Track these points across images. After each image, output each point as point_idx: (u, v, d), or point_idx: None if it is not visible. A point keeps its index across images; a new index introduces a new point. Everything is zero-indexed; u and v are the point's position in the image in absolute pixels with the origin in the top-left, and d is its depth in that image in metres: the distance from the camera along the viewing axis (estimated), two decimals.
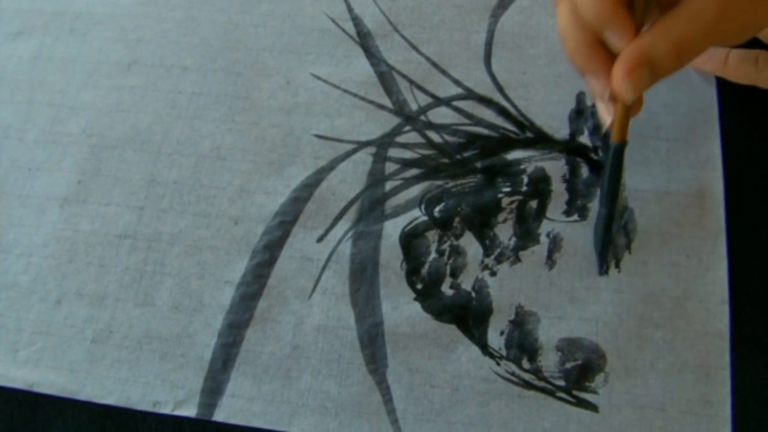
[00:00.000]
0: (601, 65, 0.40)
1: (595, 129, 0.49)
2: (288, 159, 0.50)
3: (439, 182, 0.48)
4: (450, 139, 0.49)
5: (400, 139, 0.50)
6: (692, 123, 0.48)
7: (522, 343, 0.44)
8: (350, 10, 0.54)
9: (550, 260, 0.46)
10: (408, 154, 0.49)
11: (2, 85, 0.55)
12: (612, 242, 0.45)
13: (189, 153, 0.51)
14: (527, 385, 0.43)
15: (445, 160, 0.49)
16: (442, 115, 0.50)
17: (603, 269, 0.45)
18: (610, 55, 0.40)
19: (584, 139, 0.49)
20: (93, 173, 0.51)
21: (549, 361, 0.44)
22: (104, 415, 0.45)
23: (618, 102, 0.41)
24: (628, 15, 0.38)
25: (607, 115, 0.42)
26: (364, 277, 0.46)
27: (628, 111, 0.41)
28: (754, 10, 0.36)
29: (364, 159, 0.49)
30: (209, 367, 0.45)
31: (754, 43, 0.46)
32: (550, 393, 0.43)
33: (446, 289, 0.46)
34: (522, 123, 0.49)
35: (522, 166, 0.48)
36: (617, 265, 0.45)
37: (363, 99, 0.51)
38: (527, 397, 0.43)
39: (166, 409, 0.44)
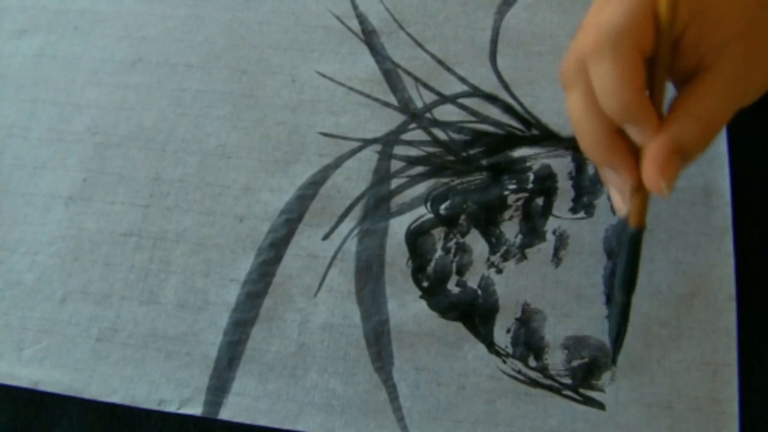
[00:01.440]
0: (623, 158, 0.37)
1: None
2: (293, 157, 0.50)
3: (444, 180, 0.48)
4: (455, 136, 0.49)
5: (405, 136, 0.50)
6: None
7: (528, 341, 0.44)
8: (355, 7, 0.54)
9: (557, 258, 0.46)
10: (413, 152, 0.49)
11: (6, 83, 0.55)
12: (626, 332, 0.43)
13: (194, 151, 0.51)
14: (534, 383, 0.43)
15: (451, 158, 0.49)
16: (447, 113, 0.50)
17: (615, 358, 0.43)
18: (631, 146, 0.36)
19: None
20: (98, 171, 0.51)
21: (555, 359, 0.43)
22: (109, 414, 0.45)
23: (641, 190, 0.37)
24: (651, 105, 0.35)
25: (623, 205, 0.39)
26: (369, 275, 0.46)
27: (648, 198, 0.38)
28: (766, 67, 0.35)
29: (369, 156, 0.49)
30: (215, 365, 0.45)
31: None
32: (557, 391, 0.43)
33: (452, 286, 0.46)
34: (528, 120, 0.49)
35: (528, 164, 0.48)
36: None
37: (368, 96, 0.51)
38: (534, 395, 0.43)
39: (172, 408, 0.44)
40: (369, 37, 0.53)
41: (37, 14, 0.57)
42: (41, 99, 0.54)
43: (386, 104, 0.51)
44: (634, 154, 0.36)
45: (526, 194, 0.47)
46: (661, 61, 0.35)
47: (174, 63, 0.54)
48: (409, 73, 0.52)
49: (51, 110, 0.53)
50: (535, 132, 0.49)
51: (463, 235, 0.47)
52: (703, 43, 0.34)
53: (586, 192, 0.47)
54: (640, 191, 0.37)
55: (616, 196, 0.39)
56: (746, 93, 0.35)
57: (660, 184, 0.35)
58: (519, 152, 0.49)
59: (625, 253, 0.41)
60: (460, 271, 0.46)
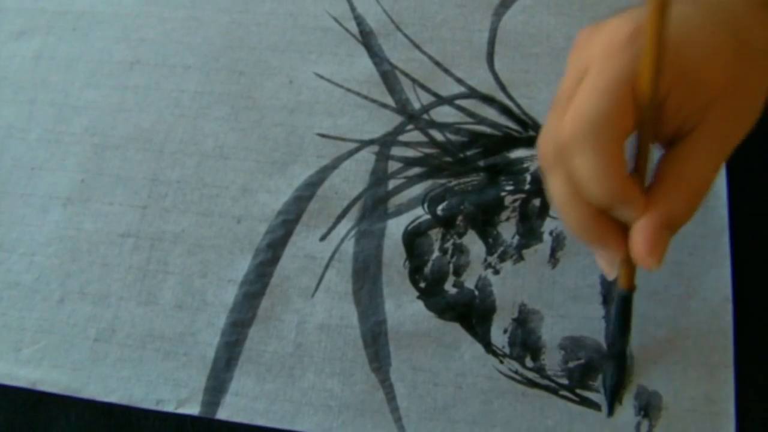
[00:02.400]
0: (611, 237, 0.35)
1: None
2: (291, 158, 0.50)
3: (442, 181, 0.48)
4: (453, 137, 0.49)
5: (402, 137, 0.50)
6: None
7: (525, 342, 0.44)
8: (353, 9, 0.54)
9: (554, 258, 0.46)
10: (411, 153, 0.49)
11: (5, 84, 0.55)
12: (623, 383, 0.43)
13: (192, 152, 0.51)
14: (530, 384, 0.43)
15: (448, 159, 0.49)
16: (444, 114, 0.50)
17: (611, 411, 0.43)
18: (617, 222, 0.35)
19: None
20: (96, 172, 0.51)
21: (552, 360, 0.44)
22: (107, 414, 0.45)
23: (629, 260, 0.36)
24: (636, 188, 0.33)
25: (610, 270, 0.37)
26: (367, 276, 0.46)
27: (636, 265, 0.37)
28: (751, 119, 0.34)
29: (366, 158, 0.49)
30: (212, 365, 0.45)
31: None
32: (554, 391, 0.43)
33: (449, 287, 0.46)
34: (525, 121, 0.49)
35: (525, 165, 0.48)
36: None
37: (366, 98, 0.51)
38: (530, 396, 0.43)
39: (169, 408, 0.44)
40: (366, 38, 0.53)
41: (35, 16, 0.57)
42: (40, 100, 0.54)
43: (384, 105, 0.51)
44: (621, 230, 0.35)
45: (523, 195, 0.47)
46: (644, 134, 0.34)
47: (172, 64, 0.54)
48: (406, 75, 0.52)
49: (49, 111, 0.53)
50: (532, 133, 0.49)
51: (460, 236, 0.47)
52: (686, 106, 0.33)
53: None
54: (628, 261, 0.36)
55: (605, 265, 0.38)
56: (731, 149, 0.34)
57: (651, 262, 0.34)
58: (516, 153, 0.49)
59: (617, 310, 0.41)
60: (457, 272, 0.46)
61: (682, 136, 0.34)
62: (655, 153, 0.35)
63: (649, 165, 0.34)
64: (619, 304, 0.41)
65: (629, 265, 0.37)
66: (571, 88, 0.34)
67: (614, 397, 0.42)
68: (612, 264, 0.37)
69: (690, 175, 0.33)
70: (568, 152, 0.33)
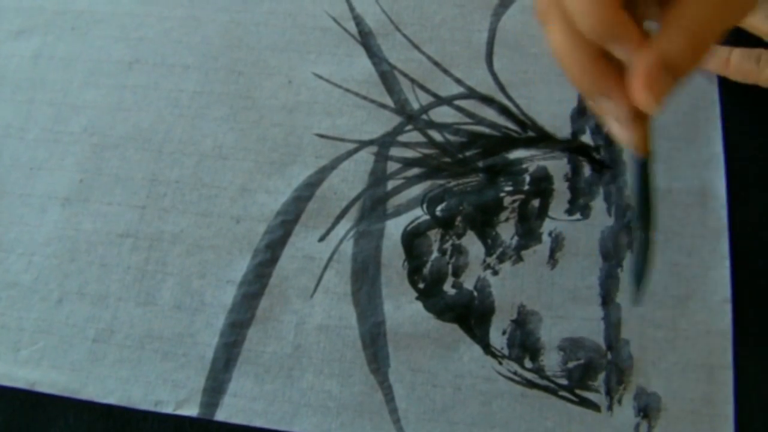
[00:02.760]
0: (613, 82, 0.35)
1: (597, 128, 0.49)
2: (290, 158, 0.50)
3: (440, 181, 0.48)
4: (452, 138, 0.49)
5: (401, 138, 0.50)
6: (694, 122, 0.48)
7: (524, 343, 0.44)
8: (352, 9, 0.54)
9: (553, 259, 0.46)
10: (410, 153, 0.49)
11: (3, 84, 0.55)
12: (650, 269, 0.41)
13: (191, 152, 0.51)
14: (529, 384, 0.43)
15: (447, 159, 0.49)
16: (443, 114, 0.50)
17: (638, 299, 0.43)
18: (619, 69, 0.34)
19: (586, 137, 0.49)
20: (94, 172, 0.51)
21: (551, 361, 0.44)
22: (106, 415, 0.45)
23: (640, 115, 0.35)
24: (631, 19, 0.33)
25: (625, 134, 0.36)
26: (365, 277, 0.46)
27: (648, 121, 0.36)
28: None
29: (365, 158, 0.49)
30: (211, 366, 0.45)
31: (755, 42, 0.46)
32: (553, 392, 0.43)
33: (448, 288, 0.46)
34: (524, 122, 0.49)
35: (524, 165, 0.48)
36: (620, 264, 0.45)
37: (364, 98, 0.51)
38: (529, 397, 0.43)
39: (168, 409, 0.44)
40: (365, 38, 0.53)
41: (34, 15, 0.57)
42: (38, 100, 0.54)
43: (382, 106, 0.51)
44: (624, 77, 0.34)
45: (522, 196, 0.47)
46: None
47: (171, 64, 0.54)
48: (405, 75, 0.52)
49: (48, 111, 0.53)
50: (531, 134, 0.49)
51: (459, 236, 0.47)
52: None
53: (582, 194, 0.47)
54: (638, 117, 0.35)
55: (616, 128, 0.37)
56: (734, 3, 0.33)
57: (648, 100, 0.33)
58: (515, 154, 0.49)
59: (637, 185, 0.38)
60: (456, 273, 0.46)
61: None
62: None
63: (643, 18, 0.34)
64: (637, 175, 0.38)
65: (642, 126, 0.36)
66: None
67: (640, 286, 0.39)
68: (622, 122, 0.36)
69: (689, 14, 0.32)
70: None
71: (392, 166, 0.49)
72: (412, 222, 0.47)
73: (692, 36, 0.32)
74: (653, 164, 0.37)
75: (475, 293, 0.45)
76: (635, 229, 0.39)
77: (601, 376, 0.43)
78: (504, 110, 0.50)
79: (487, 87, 0.51)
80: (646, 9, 0.35)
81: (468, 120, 0.50)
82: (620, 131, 0.36)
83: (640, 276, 0.39)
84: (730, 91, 0.49)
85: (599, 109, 0.36)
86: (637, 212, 0.38)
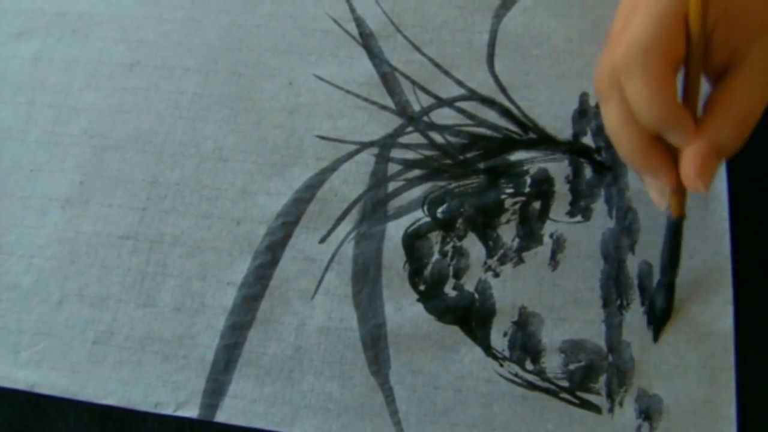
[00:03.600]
0: (661, 164, 0.38)
1: (598, 130, 0.49)
2: (290, 160, 0.50)
3: (441, 183, 0.48)
4: (453, 140, 0.49)
5: (402, 140, 0.50)
6: None
7: (525, 345, 0.44)
8: (353, 10, 0.54)
9: (554, 261, 0.46)
10: (410, 155, 0.49)
11: (4, 85, 0.55)
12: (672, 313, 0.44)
13: (191, 154, 0.51)
14: (530, 386, 0.43)
15: (448, 161, 0.49)
16: (444, 116, 0.50)
17: (656, 337, 0.44)
18: (667, 150, 0.37)
19: (587, 139, 0.49)
20: (95, 174, 0.51)
21: (552, 363, 0.43)
22: (106, 416, 0.44)
23: (681, 187, 0.38)
24: (687, 112, 0.36)
25: (665, 202, 0.40)
26: (366, 279, 0.46)
27: (686, 193, 0.40)
28: None
29: (366, 160, 0.49)
30: (211, 368, 0.45)
31: None
32: (554, 394, 0.43)
33: (449, 290, 0.46)
34: (525, 124, 0.49)
35: (525, 167, 0.48)
36: (621, 266, 0.45)
37: (365, 100, 0.51)
38: (530, 398, 0.43)
39: (168, 410, 0.44)
40: (366, 40, 0.53)
41: (34, 17, 0.57)
42: (38, 102, 0.54)
43: (383, 107, 0.51)
44: (672, 157, 0.37)
45: (523, 198, 0.47)
46: (694, 65, 0.36)
47: (171, 66, 0.54)
48: (406, 77, 0.52)
49: (48, 113, 0.53)
50: (532, 136, 0.49)
51: (460, 238, 0.47)
52: (732, 39, 0.35)
53: (583, 196, 0.47)
54: (679, 189, 0.39)
55: (656, 195, 0.40)
56: None
57: (699, 186, 0.36)
58: (516, 156, 0.49)
59: (668, 240, 0.43)
60: (457, 275, 0.46)
61: (730, 69, 0.36)
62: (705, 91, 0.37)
63: (699, 98, 0.37)
64: (669, 233, 0.42)
65: (680, 194, 0.40)
66: (623, 23, 0.37)
67: (661, 327, 0.44)
68: (662, 193, 0.39)
69: (738, 104, 0.35)
70: (622, 77, 0.36)
71: (393, 168, 0.49)
72: (413, 224, 0.47)
73: (740, 123, 0.35)
74: (683, 225, 0.42)
75: (476, 295, 0.45)
76: (661, 275, 0.44)
77: (603, 378, 0.43)
78: (505, 112, 0.50)
79: (488, 89, 0.51)
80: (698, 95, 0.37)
81: (469, 122, 0.50)
82: (660, 200, 0.40)
83: (663, 319, 0.44)
84: None
85: (644, 180, 0.40)
86: (664, 263, 0.43)
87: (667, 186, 0.38)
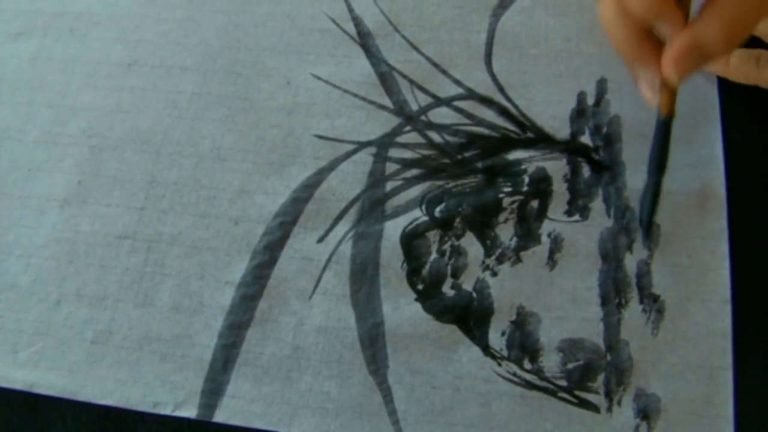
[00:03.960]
0: (650, 53, 0.41)
1: (596, 129, 0.49)
2: (288, 159, 0.50)
3: (439, 182, 0.48)
4: (451, 139, 0.49)
5: (400, 139, 0.50)
6: (694, 123, 0.48)
7: (523, 344, 0.44)
8: (350, 10, 0.54)
9: (552, 260, 0.46)
10: (408, 155, 0.49)
11: (2, 85, 0.55)
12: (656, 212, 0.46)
13: (189, 154, 0.51)
14: (529, 386, 0.43)
15: (446, 161, 0.49)
16: (442, 116, 0.50)
17: (648, 242, 0.45)
18: (657, 43, 0.41)
19: (585, 138, 0.49)
20: (93, 174, 0.51)
21: (550, 362, 0.43)
22: (104, 416, 0.44)
23: (667, 83, 0.41)
24: (676, 7, 0.38)
25: (651, 96, 0.43)
26: (364, 278, 0.46)
27: (676, 89, 0.42)
28: None
29: (364, 159, 0.49)
30: (209, 368, 0.45)
31: (755, 43, 0.46)
32: (552, 393, 0.43)
33: (447, 289, 0.46)
34: (523, 123, 0.49)
35: (523, 166, 0.48)
36: (619, 265, 0.45)
37: (363, 99, 0.51)
38: (529, 398, 0.43)
39: (166, 410, 0.44)
40: (364, 39, 0.53)
41: (32, 17, 0.57)
42: (37, 101, 0.54)
43: (381, 107, 0.51)
44: (661, 51, 0.40)
45: (521, 197, 0.47)
46: None
47: (169, 66, 0.54)
48: (404, 76, 0.52)
49: (46, 113, 0.53)
50: (530, 135, 0.49)
51: (458, 237, 0.47)
52: None
53: (581, 195, 0.47)
54: (668, 84, 0.41)
55: (646, 90, 0.43)
56: None
57: (672, 72, 0.40)
58: (514, 155, 0.49)
59: (657, 139, 0.45)
60: (455, 274, 0.46)
61: None
62: None
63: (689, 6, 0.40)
64: (658, 131, 0.45)
65: (669, 92, 0.42)
66: None
67: (649, 227, 0.46)
68: (652, 86, 0.42)
69: (726, 6, 0.37)
70: None
71: (391, 167, 0.49)
72: (410, 223, 0.47)
73: (725, 25, 0.37)
74: (673, 124, 0.44)
75: (474, 294, 0.45)
76: (648, 176, 0.46)
77: (601, 378, 0.43)
78: (503, 111, 0.50)
79: (486, 88, 0.51)
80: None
81: (467, 121, 0.50)
82: (648, 95, 0.43)
83: (650, 218, 0.46)
84: (730, 92, 0.49)
85: (635, 74, 0.43)
86: (654, 161, 0.45)
87: (655, 76, 0.41)
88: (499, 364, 0.44)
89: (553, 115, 0.49)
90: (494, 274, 0.46)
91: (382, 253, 0.47)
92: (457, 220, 0.47)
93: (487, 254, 0.46)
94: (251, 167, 0.50)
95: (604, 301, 0.44)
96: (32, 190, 0.51)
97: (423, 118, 0.50)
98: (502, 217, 0.47)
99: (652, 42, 0.41)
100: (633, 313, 0.44)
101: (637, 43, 0.41)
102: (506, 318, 0.45)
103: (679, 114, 0.46)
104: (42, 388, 0.45)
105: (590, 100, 0.50)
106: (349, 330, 0.45)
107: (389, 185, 0.48)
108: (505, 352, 0.44)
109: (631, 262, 0.45)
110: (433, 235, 0.47)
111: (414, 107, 0.51)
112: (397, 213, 0.48)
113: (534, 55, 0.52)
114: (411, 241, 0.47)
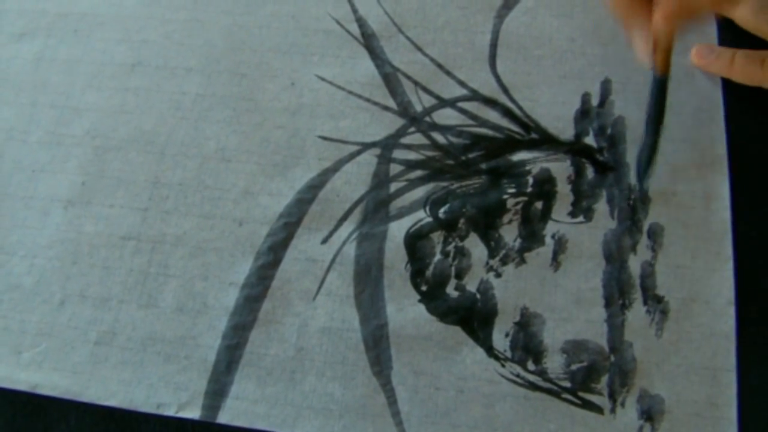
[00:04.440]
0: (643, 13, 0.45)
1: (601, 130, 0.49)
2: (292, 160, 0.50)
3: (443, 183, 0.48)
4: (455, 140, 0.49)
5: (404, 140, 0.50)
6: (698, 124, 0.48)
7: (527, 345, 0.44)
8: (355, 11, 0.54)
9: (555, 262, 0.46)
10: (413, 156, 0.49)
11: (6, 86, 0.55)
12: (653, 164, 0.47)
13: (193, 154, 0.51)
14: (532, 387, 0.43)
15: (450, 162, 0.49)
16: (446, 117, 0.50)
17: (643, 184, 0.47)
18: (649, 3, 0.45)
19: (589, 140, 0.49)
20: (97, 175, 0.51)
21: (554, 363, 0.43)
22: (107, 417, 0.44)
23: (660, 41, 0.45)
24: None
25: (646, 57, 0.46)
26: (368, 279, 0.46)
27: (670, 48, 0.45)
28: None
29: (368, 160, 0.49)
30: (213, 369, 0.45)
31: (760, 44, 0.46)
32: (556, 394, 0.43)
33: (451, 290, 0.46)
34: (527, 124, 0.49)
35: (527, 168, 0.48)
36: (623, 266, 0.45)
37: (368, 100, 0.51)
38: (532, 399, 0.43)
39: (170, 411, 0.44)
40: (368, 40, 0.53)
41: (36, 18, 0.57)
42: (41, 102, 0.54)
43: (386, 108, 0.51)
44: (652, 10, 0.45)
45: (525, 198, 0.47)
46: None
47: (173, 66, 0.54)
48: (408, 77, 0.52)
49: (50, 113, 0.53)
50: (534, 136, 0.49)
51: (462, 238, 0.47)
52: None
53: (585, 196, 0.47)
54: (661, 44, 0.45)
55: (641, 49, 0.46)
56: None
57: (659, 26, 0.44)
58: (518, 156, 0.49)
59: (653, 99, 0.47)
60: (459, 275, 0.46)
61: None
62: None
63: None
64: (654, 91, 0.47)
65: (663, 51, 0.45)
66: None
67: (645, 180, 0.47)
68: (647, 45, 0.45)
69: None
70: None
71: (395, 169, 0.49)
72: (414, 224, 0.47)
73: None
74: (668, 83, 0.46)
75: (478, 295, 0.45)
76: (644, 134, 0.47)
77: (604, 379, 0.43)
78: (507, 112, 0.50)
79: (490, 89, 0.51)
80: None
81: (471, 122, 0.50)
82: (644, 56, 0.46)
83: (645, 169, 0.47)
84: (734, 93, 0.49)
85: (631, 35, 0.47)
86: (651, 121, 0.47)
87: (650, 36, 0.45)
88: (503, 366, 0.44)
89: (557, 116, 0.49)
90: (498, 275, 0.46)
91: (386, 254, 0.47)
92: (461, 221, 0.47)
93: (491, 255, 0.46)
94: (255, 168, 0.50)
95: (608, 303, 0.44)
96: (36, 191, 0.51)
97: (427, 119, 0.50)
98: (506, 218, 0.47)
99: (644, 2, 0.45)
100: (637, 314, 0.44)
101: (630, 3, 0.46)
102: (510, 319, 0.45)
103: (682, 113, 0.46)
104: (46, 389, 0.45)
105: (594, 101, 0.50)
106: (353, 331, 0.45)
107: (393, 186, 0.48)
108: (508, 354, 0.44)
109: (634, 264, 0.45)
110: (437, 236, 0.47)
111: (418, 108, 0.51)
112: (401, 214, 0.48)
113: (538, 56, 0.52)
114: (415, 242, 0.47)
